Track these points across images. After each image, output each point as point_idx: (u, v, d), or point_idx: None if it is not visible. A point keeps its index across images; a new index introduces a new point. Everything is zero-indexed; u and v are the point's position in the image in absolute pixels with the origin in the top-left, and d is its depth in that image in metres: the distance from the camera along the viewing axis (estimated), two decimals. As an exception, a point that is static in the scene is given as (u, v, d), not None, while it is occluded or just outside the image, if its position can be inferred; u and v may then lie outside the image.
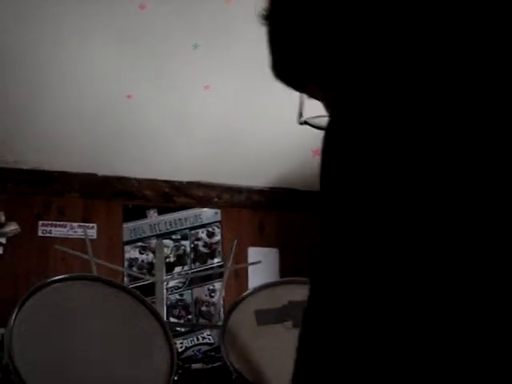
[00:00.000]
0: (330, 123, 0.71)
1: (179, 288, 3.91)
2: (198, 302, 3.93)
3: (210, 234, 4.07)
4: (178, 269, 3.94)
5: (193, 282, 3.94)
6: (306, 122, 0.89)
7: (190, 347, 3.77)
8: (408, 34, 0.63)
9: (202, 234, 4.06)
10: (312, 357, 0.62)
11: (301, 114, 0.90)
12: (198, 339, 3.81)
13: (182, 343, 3.71)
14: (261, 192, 4.17)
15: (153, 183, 4.00)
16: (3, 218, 3.63)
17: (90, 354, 1.43)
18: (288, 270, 3.77)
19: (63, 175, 3.84)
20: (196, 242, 4.04)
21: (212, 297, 3.94)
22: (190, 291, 3.93)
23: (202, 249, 4.04)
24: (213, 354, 3.65)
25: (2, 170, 3.74)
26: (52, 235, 3.76)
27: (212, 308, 3.90)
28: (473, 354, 0.52)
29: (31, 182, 3.79)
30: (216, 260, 4.04)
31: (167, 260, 3.83)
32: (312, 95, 0.86)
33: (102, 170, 3.88)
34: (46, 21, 2.97)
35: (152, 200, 4.00)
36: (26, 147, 3.66)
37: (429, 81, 0.61)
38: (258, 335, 1.57)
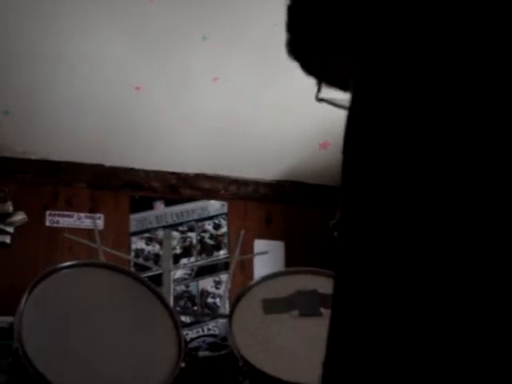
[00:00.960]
0: (353, 99, 0.70)
1: (185, 279, 3.92)
2: (203, 293, 3.94)
3: (217, 226, 4.09)
4: (184, 260, 3.96)
5: (199, 273, 3.96)
6: (323, 99, 0.87)
7: (195, 338, 3.78)
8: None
9: (209, 225, 4.07)
10: (342, 341, 0.63)
11: (319, 90, 0.88)
12: (203, 330, 3.82)
13: (187, 334, 3.72)
14: (268, 185, 4.18)
15: (160, 175, 4.01)
16: (11, 208, 3.65)
17: (99, 339, 1.45)
18: (294, 262, 3.77)
19: (71, 166, 3.86)
20: (202, 234, 4.05)
21: (218, 288, 3.95)
22: (195, 283, 3.95)
23: (208, 241, 4.05)
24: (219, 342, 3.66)
25: (11, 160, 3.76)
26: (59, 225, 3.78)
27: (218, 299, 3.91)
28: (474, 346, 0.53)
29: (39, 173, 3.81)
30: (222, 252, 4.05)
31: (173, 252, 3.85)
32: (329, 74, 0.84)
33: (110, 161, 3.90)
34: (53, 14, 2.98)
35: (159, 191, 4.02)
36: (34, 138, 3.68)
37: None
38: (265, 323, 1.58)
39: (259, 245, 3.98)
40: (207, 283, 3.96)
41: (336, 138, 3.84)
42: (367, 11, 0.70)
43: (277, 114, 3.64)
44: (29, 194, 3.77)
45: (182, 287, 3.89)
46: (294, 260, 3.88)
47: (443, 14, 0.61)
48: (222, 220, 4.10)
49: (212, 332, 3.82)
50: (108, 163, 3.91)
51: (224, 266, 3.97)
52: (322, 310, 1.64)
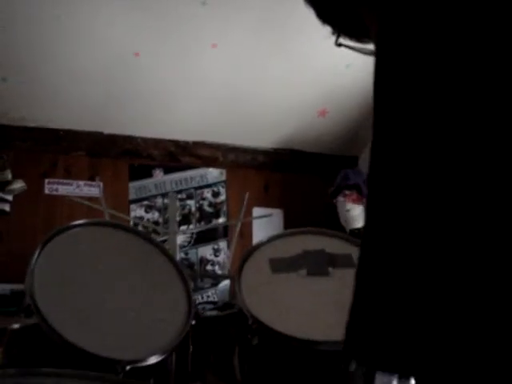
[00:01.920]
0: (378, 49, 0.69)
1: (184, 247, 3.94)
2: (202, 260, 3.96)
3: (215, 194, 4.09)
4: (183, 228, 3.97)
5: (198, 241, 3.97)
6: (342, 44, 0.87)
7: (195, 306, 3.80)
8: None
9: (208, 193, 4.08)
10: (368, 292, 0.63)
11: (338, 36, 0.88)
12: (202, 298, 3.85)
13: (187, 301, 3.74)
14: (266, 153, 4.18)
15: (159, 142, 4.01)
16: (10, 176, 3.64)
17: (111, 295, 1.46)
18: (292, 230, 3.79)
19: (70, 133, 3.85)
20: (201, 202, 4.06)
21: (217, 256, 3.97)
22: (195, 250, 3.96)
23: (207, 208, 4.06)
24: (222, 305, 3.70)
25: (9, 128, 3.75)
26: (58, 193, 3.78)
27: (217, 267, 3.93)
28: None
29: (38, 140, 3.80)
30: (221, 220, 4.06)
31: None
32: (347, 22, 0.84)
33: (109, 129, 3.89)
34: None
35: (157, 159, 4.02)
36: (33, 105, 3.66)
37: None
38: (274, 282, 1.59)
39: (258, 212, 3.99)
40: (206, 251, 3.98)
41: (334, 104, 3.84)
42: None
43: (275, 82, 3.63)
44: (27, 162, 3.76)
45: (182, 254, 3.91)
46: (293, 227, 3.89)
47: None
48: (220, 188, 4.11)
49: (211, 299, 3.84)
50: (107, 131, 3.89)
51: (223, 233, 3.99)
52: (330, 269, 1.65)
